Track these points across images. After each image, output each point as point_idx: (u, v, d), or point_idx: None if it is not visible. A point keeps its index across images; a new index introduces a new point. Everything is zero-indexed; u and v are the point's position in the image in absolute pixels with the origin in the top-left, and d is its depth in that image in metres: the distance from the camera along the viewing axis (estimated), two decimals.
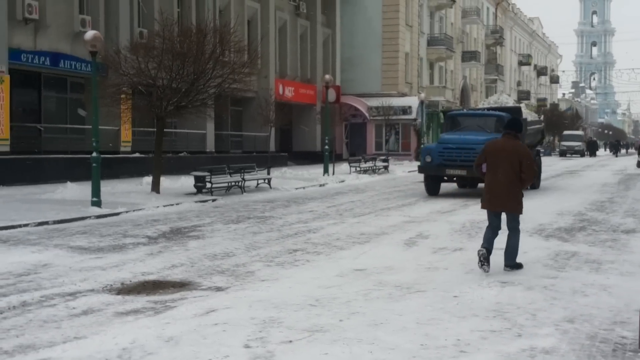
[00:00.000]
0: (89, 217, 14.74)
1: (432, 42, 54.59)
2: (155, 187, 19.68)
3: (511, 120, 9.69)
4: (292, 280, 8.50)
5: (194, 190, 20.06)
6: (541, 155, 28.74)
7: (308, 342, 5.75)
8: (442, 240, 11.65)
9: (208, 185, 20.04)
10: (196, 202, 18.35)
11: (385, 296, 7.53)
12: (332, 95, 31.89)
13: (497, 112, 21.05)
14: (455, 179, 21.01)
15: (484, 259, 8.61)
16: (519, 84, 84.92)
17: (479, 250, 8.73)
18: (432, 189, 20.47)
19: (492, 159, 8.95)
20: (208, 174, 20.31)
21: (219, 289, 8.00)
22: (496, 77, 70.69)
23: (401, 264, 9.52)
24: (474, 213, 15.14)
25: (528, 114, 24.95)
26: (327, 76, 32.18)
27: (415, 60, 50.78)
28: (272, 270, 9.19)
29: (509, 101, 26.45)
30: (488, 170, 8.98)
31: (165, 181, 20.88)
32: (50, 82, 26.32)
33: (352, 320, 6.48)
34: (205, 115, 23.16)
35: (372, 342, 5.72)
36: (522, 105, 27.33)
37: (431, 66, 56.16)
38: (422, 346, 5.62)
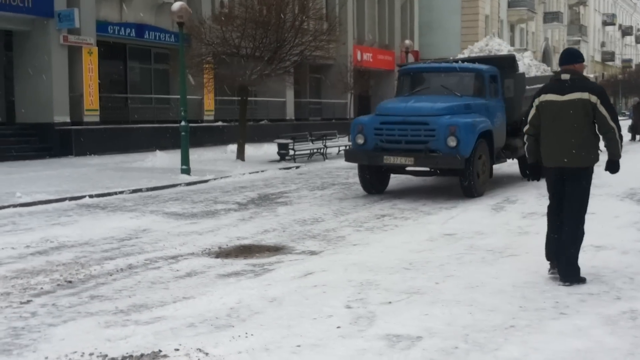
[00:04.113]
0: (180, 184, 15.22)
1: (512, 3, 53.34)
2: (240, 154, 20.11)
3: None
4: (382, 244, 8.64)
5: (277, 157, 20.40)
6: None
7: (407, 303, 5.89)
8: (530, 205, 11.58)
9: (291, 152, 20.33)
10: (280, 169, 18.67)
11: (478, 260, 7.59)
12: (411, 60, 31.67)
13: (475, 65, 13.93)
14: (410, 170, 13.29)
15: None
16: (603, 44, 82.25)
17: None
18: (372, 184, 13.32)
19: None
20: (291, 141, 20.61)
21: (312, 252, 8.21)
22: (579, 39, 68.67)
23: (491, 228, 9.54)
24: None
25: (533, 67, 16.55)
26: (407, 41, 31.99)
27: (495, 23, 49.77)
28: (362, 235, 9.35)
29: (503, 48, 17.13)
30: None
31: (249, 149, 21.28)
32: (135, 53, 27.02)
33: (448, 283, 6.58)
34: (286, 83, 23.42)
35: (470, 303, 5.82)
36: (528, 54, 17.75)
37: (512, 28, 54.94)
38: (521, 308, 5.68)
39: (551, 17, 61.47)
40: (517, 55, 15.80)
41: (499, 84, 13.85)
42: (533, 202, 11.96)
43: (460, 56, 16.47)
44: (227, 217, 10.96)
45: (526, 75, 14.83)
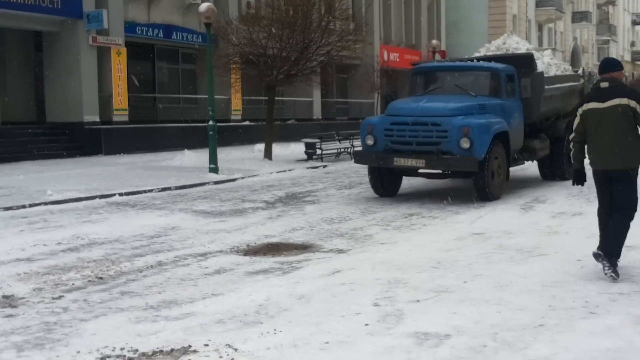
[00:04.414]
0: (208, 183, 15.32)
1: (540, 2, 52.94)
2: (268, 154, 20.20)
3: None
4: (410, 243, 8.63)
5: (305, 156, 20.45)
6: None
7: (435, 301, 5.89)
8: (559, 205, 11.50)
9: (318, 151, 20.37)
10: (308, 168, 18.71)
11: (507, 259, 7.55)
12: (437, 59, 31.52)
13: (490, 64, 13.34)
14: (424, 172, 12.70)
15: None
16: (632, 44, 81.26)
17: None
18: (383, 187, 12.86)
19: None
20: (318, 140, 20.65)
21: (340, 251, 8.23)
22: (608, 38, 67.97)
23: (520, 227, 9.49)
24: (592, 178, 14.83)
25: (553, 66, 15.72)
26: (434, 41, 31.89)
27: (523, 22, 49.42)
28: (390, 233, 9.35)
29: (521, 46, 16.32)
30: None
31: (276, 148, 21.34)
32: (163, 53, 27.24)
33: (476, 282, 6.56)
34: (312, 83, 23.47)
35: (499, 302, 5.80)
36: (548, 52, 17.05)
37: (540, 28, 54.53)
38: (550, 307, 5.65)
39: (580, 16, 60.91)
40: (536, 54, 15.33)
41: (516, 83, 13.30)
42: (562, 202, 11.88)
43: (477, 54, 15.96)
44: (255, 216, 11.01)
45: (545, 75, 14.24)
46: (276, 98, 22.77)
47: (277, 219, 10.66)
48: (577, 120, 7.00)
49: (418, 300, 5.92)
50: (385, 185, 12.87)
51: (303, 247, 8.48)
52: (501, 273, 6.88)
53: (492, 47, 16.48)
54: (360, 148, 13.69)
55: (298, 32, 19.62)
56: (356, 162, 13.00)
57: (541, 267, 7.12)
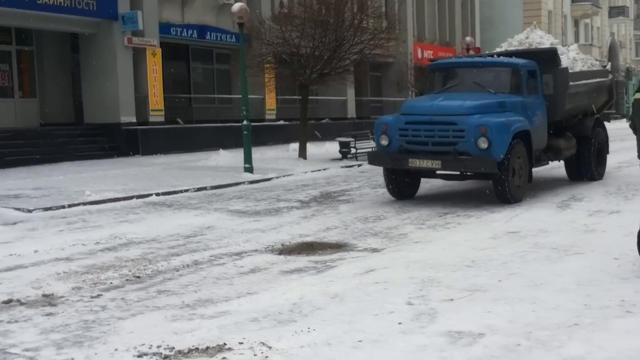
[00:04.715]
0: (243, 182, 15.44)
1: None
2: (302, 153, 20.28)
3: None
4: (445, 242, 8.62)
5: (339, 155, 20.49)
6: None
7: (469, 300, 5.88)
8: (597, 203, 11.37)
9: (352, 150, 20.39)
10: (342, 167, 18.74)
11: (542, 258, 7.50)
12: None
13: (510, 59, 12.75)
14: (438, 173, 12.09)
15: None
16: None
17: None
18: (399, 189, 12.42)
19: None
20: (352, 139, 20.67)
21: (374, 250, 8.24)
22: None
23: (556, 226, 9.41)
24: (630, 175, 14.66)
25: (579, 61, 14.91)
26: (468, 38, 31.68)
27: (558, 18, 48.88)
28: (424, 232, 9.34)
29: (545, 40, 15.52)
30: None
31: (311, 147, 21.41)
32: (198, 53, 27.48)
33: (511, 280, 6.53)
34: (346, 81, 23.50)
35: (533, 301, 5.77)
36: (574, 47, 16.21)
37: (576, 23, 53.85)
38: (585, 306, 5.61)
39: (616, 11, 60.01)
40: (562, 49, 14.77)
41: (539, 79, 12.66)
42: (600, 199, 11.75)
43: (498, 50, 15.40)
44: (290, 215, 11.08)
45: (570, 70, 13.56)
46: (310, 97, 22.85)
47: (311, 218, 10.71)
48: (632, 110, 7.05)
49: (452, 299, 5.92)
50: (401, 187, 12.42)
51: (337, 246, 8.51)
52: (536, 272, 6.84)
53: (515, 42, 15.85)
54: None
55: (330, 31, 19.66)
56: (370, 163, 12.61)
57: (577, 266, 7.06)
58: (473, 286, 6.34)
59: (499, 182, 11.36)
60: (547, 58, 13.01)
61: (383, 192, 13.64)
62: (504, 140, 11.11)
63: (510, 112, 11.73)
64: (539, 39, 15.59)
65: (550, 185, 13.80)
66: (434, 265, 7.22)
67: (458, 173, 11.95)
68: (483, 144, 10.97)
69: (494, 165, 11.01)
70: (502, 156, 11.07)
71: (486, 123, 11.04)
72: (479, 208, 11.21)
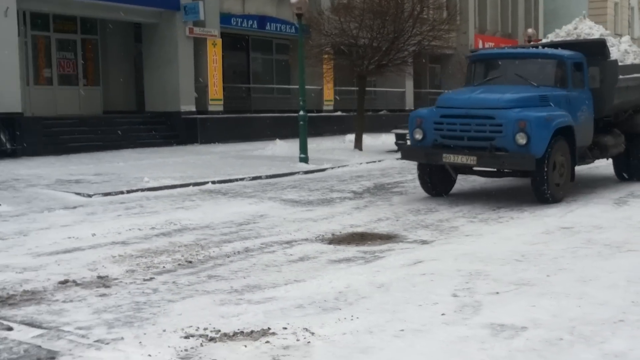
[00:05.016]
0: (298, 172, 15.58)
1: None
2: (358, 144, 20.31)
3: None
4: (496, 236, 8.58)
5: (395, 147, 20.42)
6: None
7: (515, 294, 5.87)
8: None
9: (408, 142, 20.29)
10: (397, 159, 18.65)
11: (594, 254, 7.41)
12: None
13: (555, 51, 12.17)
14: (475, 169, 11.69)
15: None
16: None
17: None
18: (433, 185, 11.97)
19: None
20: (408, 131, 20.56)
21: (424, 242, 8.26)
22: None
23: (611, 222, 9.27)
24: None
25: (630, 54, 14.16)
26: (530, 30, 31.16)
27: (625, 10, 47.63)
28: (476, 226, 9.30)
29: (594, 31, 14.65)
30: None
31: (367, 139, 21.42)
32: (257, 44, 27.74)
33: (560, 275, 6.48)
34: (404, 73, 23.42)
35: (580, 297, 5.73)
36: (626, 39, 15.20)
37: None
38: (633, 303, 5.55)
39: None
40: (612, 40, 14.06)
41: (586, 72, 12.01)
42: None
43: (545, 40, 14.60)
44: (342, 205, 11.15)
45: (620, 63, 12.86)
46: (368, 89, 22.86)
47: (363, 209, 10.77)
48: None
49: (497, 293, 5.91)
50: (436, 183, 11.92)
51: (387, 237, 8.55)
52: (586, 268, 6.77)
53: (562, 33, 15.08)
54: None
55: (389, 22, 19.62)
56: (403, 158, 12.16)
57: (629, 263, 6.96)
58: (520, 280, 6.32)
59: (537, 181, 10.84)
60: (596, 50, 12.34)
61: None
62: (544, 136, 10.58)
63: (553, 106, 11.16)
64: (588, 29, 14.83)
65: (608, 182, 13.55)
66: (483, 259, 7.20)
67: (494, 170, 11.58)
68: (521, 139, 10.45)
69: (532, 162, 10.50)
70: (541, 153, 10.55)
71: (525, 117, 10.51)
72: (533, 203, 11.07)
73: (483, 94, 11.17)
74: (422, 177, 11.94)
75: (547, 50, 12.38)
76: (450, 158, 10.96)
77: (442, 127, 11.14)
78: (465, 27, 35.85)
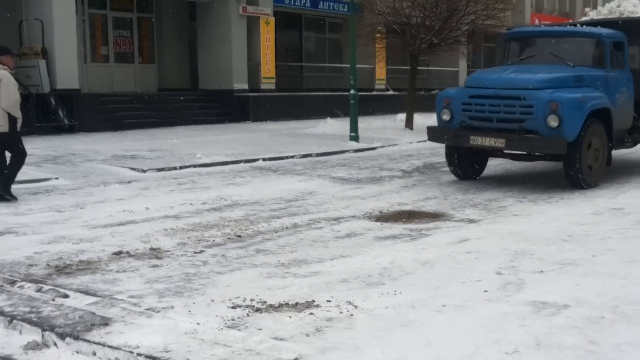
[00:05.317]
0: (348, 150, 15.67)
1: None
2: (409, 123, 20.28)
3: None
4: (544, 216, 8.55)
5: None
6: None
7: (559, 273, 5.89)
8: None
9: None
10: None
11: None
12: None
13: (593, 29, 11.53)
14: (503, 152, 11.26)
15: None
16: None
17: None
18: (461, 168, 11.60)
19: None
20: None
21: (471, 220, 8.29)
22: None
23: None
24: None
25: None
26: (587, 9, 30.42)
27: None
28: (525, 205, 9.28)
29: (639, 10, 13.67)
30: None
31: (418, 118, 21.33)
32: (310, 23, 27.80)
33: (606, 256, 6.46)
34: (458, 52, 23.21)
35: (625, 277, 5.72)
36: None
37: None
38: None
39: None
40: None
41: (626, 52, 11.38)
42: None
43: (584, 19, 14.08)
44: (391, 184, 11.22)
45: None
46: (421, 68, 22.76)
47: (412, 188, 10.81)
48: None
49: (542, 271, 5.93)
50: (464, 166, 11.56)
51: (434, 216, 8.60)
52: (634, 248, 6.73)
53: (604, 11, 14.28)
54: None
55: (442, 1, 19.45)
56: (429, 139, 11.59)
57: None
58: (566, 260, 6.32)
59: (570, 165, 10.37)
60: (638, 28, 11.74)
61: (488, 164, 13.52)
62: (578, 119, 10.05)
63: (589, 87, 10.62)
64: (632, 7, 13.84)
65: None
66: (529, 238, 7.21)
67: (524, 153, 11.19)
68: (553, 122, 9.92)
69: (564, 145, 9.97)
70: (574, 136, 10.05)
71: (558, 99, 9.97)
72: None
73: (514, 74, 10.72)
74: (450, 160, 11.61)
75: (585, 28, 11.80)
76: (478, 140, 10.49)
77: (471, 108, 10.72)
78: (522, 6, 35.29)
